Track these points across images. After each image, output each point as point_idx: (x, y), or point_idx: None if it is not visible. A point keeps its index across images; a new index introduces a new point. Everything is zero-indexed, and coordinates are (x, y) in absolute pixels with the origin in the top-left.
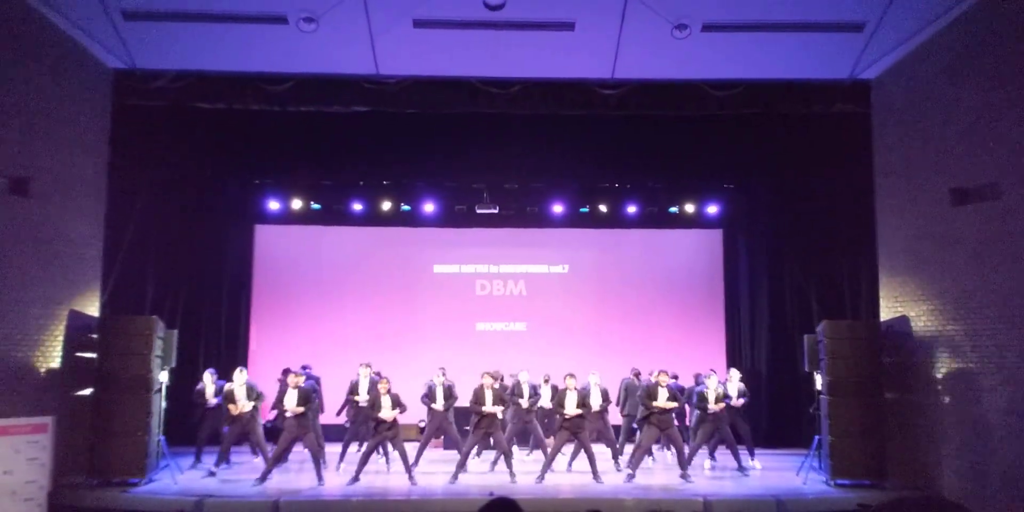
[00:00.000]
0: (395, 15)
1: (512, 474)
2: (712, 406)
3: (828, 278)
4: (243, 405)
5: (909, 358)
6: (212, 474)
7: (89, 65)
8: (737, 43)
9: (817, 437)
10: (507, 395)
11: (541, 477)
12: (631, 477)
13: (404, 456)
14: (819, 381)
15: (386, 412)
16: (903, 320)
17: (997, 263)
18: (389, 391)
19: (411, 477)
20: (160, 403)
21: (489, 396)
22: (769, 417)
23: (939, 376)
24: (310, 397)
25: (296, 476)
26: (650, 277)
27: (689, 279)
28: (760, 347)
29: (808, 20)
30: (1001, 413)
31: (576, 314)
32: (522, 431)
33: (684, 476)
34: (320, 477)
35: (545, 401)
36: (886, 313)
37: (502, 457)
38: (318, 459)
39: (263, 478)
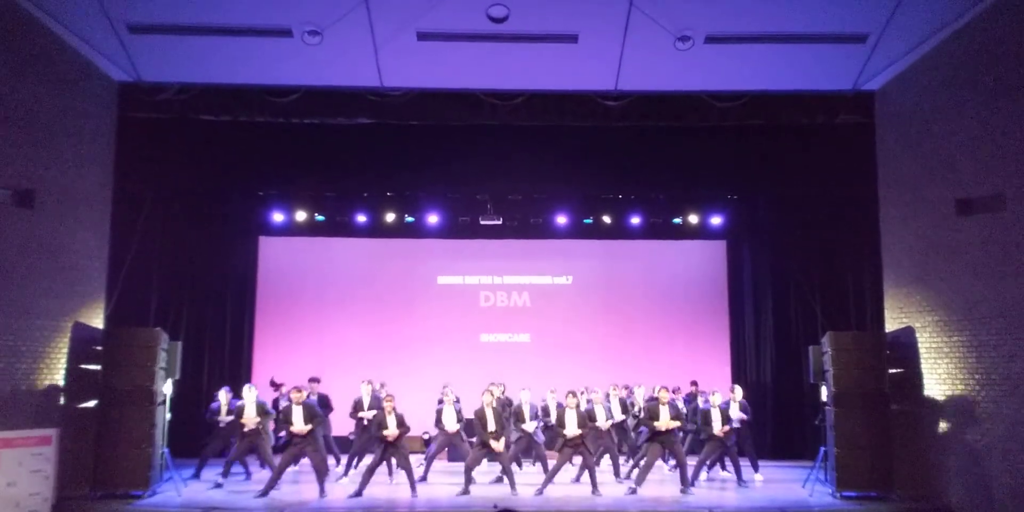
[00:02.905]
0: (399, 28)
1: (513, 487)
2: (717, 432)
3: (833, 289)
4: (251, 421)
5: (915, 369)
6: (219, 486)
7: (94, 78)
8: (740, 54)
9: (823, 449)
10: (507, 419)
11: (541, 490)
12: (633, 491)
13: (409, 472)
14: (824, 392)
15: (390, 430)
16: (908, 331)
17: (1002, 273)
18: (394, 410)
19: (414, 491)
20: (164, 415)
21: (490, 416)
22: (774, 429)
23: (945, 387)
24: (315, 413)
25: (301, 488)
26: (654, 288)
27: (693, 290)
28: (765, 358)
29: (811, 31)
30: (1008, 424)
31: (580, 325)
32: (526, 447)
33: (684, 491)
34: (323, 490)
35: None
36: (891, 324)
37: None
38: (322, 473)
39: (265, 492)
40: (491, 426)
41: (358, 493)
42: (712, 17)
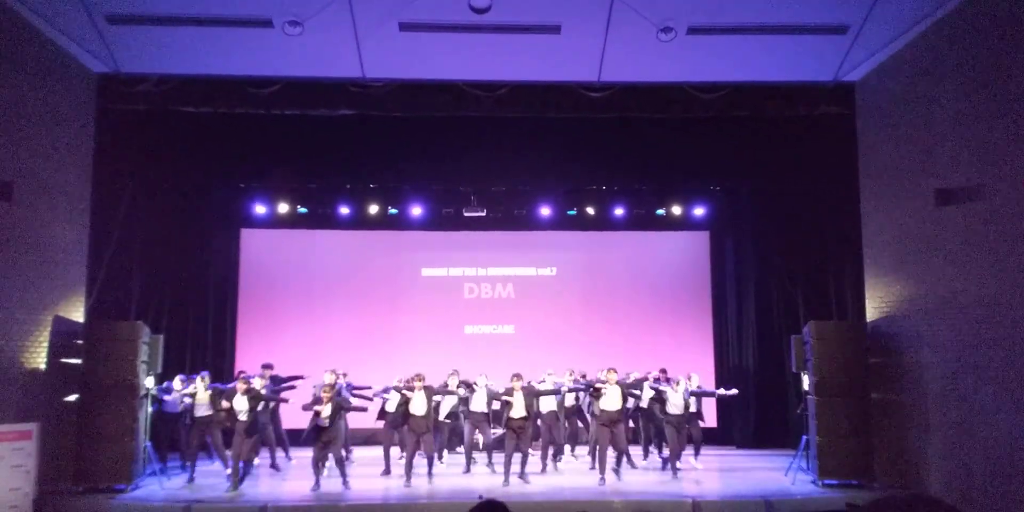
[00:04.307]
0: (381, 18)
1: (430, 476)
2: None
3: (814, 279)
4: (204, 404)
5: (895, 358)
6: (191, 480)
7: (73, 69)
8: (722, 46)
9: (804, 437)
10: (439, 387)
11: (505, 472)
12: (603, 481)
13: (340, 462)
14: (806, 382)
15: (324, 417)
16: (889, 320)
17: (981, 263)
18: (332, 399)
19: (345, 483)
20: (146, 408)
21: (420, 398)
22: (756, 418)
23: (925, 376)
24: (259, 398)
25: (282, 482)
26: (638, 279)
27: (676, 281)
28: (747, 348)
29: (793, 23)
30: (986, 412)
31: (564, 316)
32: (475, 429)
33: (625, 466)
34: (318, 483)
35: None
36: (872, 313)
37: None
38: (273, 458)
39: (235, 485)
40: (420, 411)
41: (315, 486)
42: (694, 8)
